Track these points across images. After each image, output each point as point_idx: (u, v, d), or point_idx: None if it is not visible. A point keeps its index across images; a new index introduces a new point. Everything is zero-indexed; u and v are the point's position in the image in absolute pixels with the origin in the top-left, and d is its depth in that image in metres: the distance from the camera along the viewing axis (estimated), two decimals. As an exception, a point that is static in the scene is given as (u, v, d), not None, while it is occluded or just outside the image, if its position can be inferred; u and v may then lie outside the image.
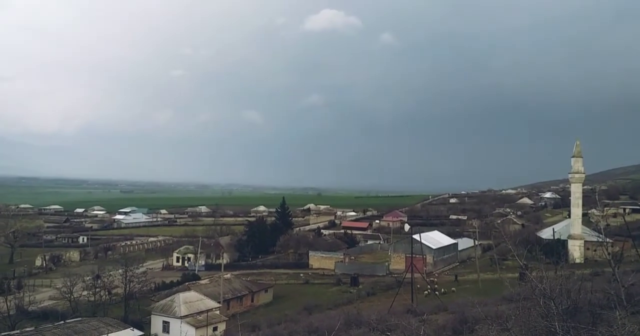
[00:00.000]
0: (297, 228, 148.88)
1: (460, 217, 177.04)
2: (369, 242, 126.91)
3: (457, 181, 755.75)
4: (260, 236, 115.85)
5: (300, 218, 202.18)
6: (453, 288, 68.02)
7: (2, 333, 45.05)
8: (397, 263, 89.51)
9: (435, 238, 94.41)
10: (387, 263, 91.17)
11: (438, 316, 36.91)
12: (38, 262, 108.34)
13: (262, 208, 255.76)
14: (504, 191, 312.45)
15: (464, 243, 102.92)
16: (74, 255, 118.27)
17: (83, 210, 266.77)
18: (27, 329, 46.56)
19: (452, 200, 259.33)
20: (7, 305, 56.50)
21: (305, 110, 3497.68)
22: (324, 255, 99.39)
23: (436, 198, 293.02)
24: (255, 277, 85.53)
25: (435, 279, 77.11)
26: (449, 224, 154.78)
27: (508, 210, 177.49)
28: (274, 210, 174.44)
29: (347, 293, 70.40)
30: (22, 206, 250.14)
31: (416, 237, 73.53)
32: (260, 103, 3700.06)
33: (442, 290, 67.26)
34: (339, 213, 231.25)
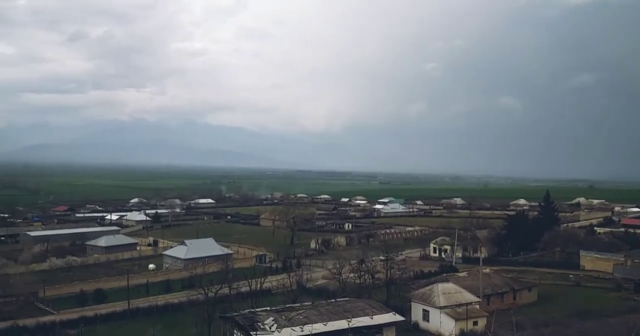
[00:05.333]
0: (564, 225, 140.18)
1: None
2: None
3: None
4: (520, 231, 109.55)
5: (567, 214, 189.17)
6: None
7: (287, 305, 52.24)
8: (700, 271, 74.25)
9: None
10: (684, 270, 76.26)
11: None
12: (312, 245, 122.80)
13: (522, 201, 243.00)
14: None
15: None
16: (341, 240, 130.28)
17: (347, 199, 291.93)
18: (306, 303, 53.13)
19: None
20: (290, 281, 65.13)
21: (571, 92, 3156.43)
22: (599, 255, 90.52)
23: None
24: (516, 274, 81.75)
25: None
26: None
27: None
28: (536, 204, 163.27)
29: (629, 301, 61.81)
30: (299, 195, 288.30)
31: None
32: (518, 89, 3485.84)
33: None
34: (617, 209, 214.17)
